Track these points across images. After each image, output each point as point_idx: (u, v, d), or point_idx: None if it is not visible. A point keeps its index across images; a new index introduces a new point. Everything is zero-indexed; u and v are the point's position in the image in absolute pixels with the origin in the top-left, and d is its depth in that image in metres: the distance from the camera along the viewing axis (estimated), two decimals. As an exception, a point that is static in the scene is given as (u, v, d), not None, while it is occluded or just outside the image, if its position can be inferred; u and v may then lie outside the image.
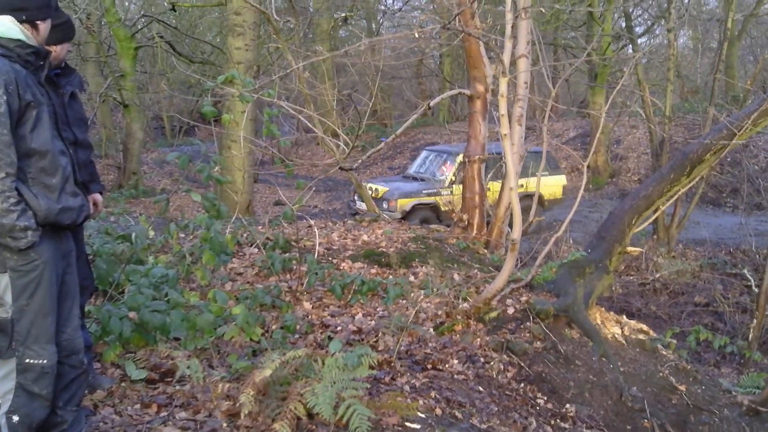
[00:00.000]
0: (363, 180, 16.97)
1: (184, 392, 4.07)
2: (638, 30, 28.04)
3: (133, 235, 6.19)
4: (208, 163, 5.61)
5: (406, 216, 15.11)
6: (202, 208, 5.75)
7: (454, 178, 15.71)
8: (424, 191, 15.81)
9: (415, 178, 16.54)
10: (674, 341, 7.92)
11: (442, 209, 15.12)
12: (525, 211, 17.60)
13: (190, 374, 4.12)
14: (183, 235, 7.66)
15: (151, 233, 7.11)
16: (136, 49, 21.03)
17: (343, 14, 27.80)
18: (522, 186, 17.03)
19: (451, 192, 15.13)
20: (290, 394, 3.74)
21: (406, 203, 15.45)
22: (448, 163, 16.47)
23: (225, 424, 3.70)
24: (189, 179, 17.19)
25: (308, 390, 3.70)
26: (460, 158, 15.03)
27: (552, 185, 17.38)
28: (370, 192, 15.12)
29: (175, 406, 3.91)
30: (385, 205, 15.25)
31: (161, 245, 6.95)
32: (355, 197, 16.09)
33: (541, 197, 17.39)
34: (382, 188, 15.75)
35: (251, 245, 7.76)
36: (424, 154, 17.94)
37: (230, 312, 5.23)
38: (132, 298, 4.69)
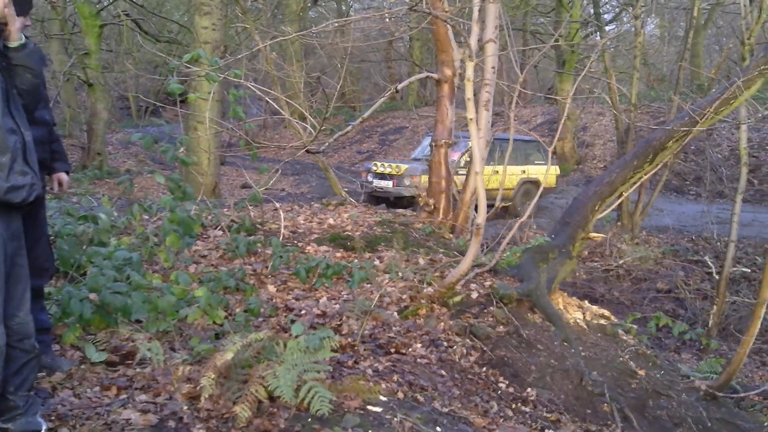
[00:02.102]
0: (375, 161, 17.15)
1: (145, 375, 4.04)
2: (606, 17, 28.18)
3: (102, 215, 6.12)
4: (173, 143, 5.57)
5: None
6: (166, 190, 5.70)
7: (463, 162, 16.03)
8: None
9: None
10: (635, 327, 8.01)
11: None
12: (526, 195, 18.02)
13: (151, 357, 4.09)
14: (147, 217, 7.60)
15: (114, 214, 7.05)
16: (102, 27, 20.78)
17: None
18: (524, 172, 17.86)
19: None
20: (252, 377, 3.74)
21: (427, 179, 15.65)
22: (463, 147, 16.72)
23: (185, 407, 3.68)
24: (155, 160, 17.07)
25: (270, 373, 3.70)
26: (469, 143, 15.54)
27: (544, 173, 17.57)
28: (390, 170, 15.94)
29: (135, 389, 3.88)
30: (407, 182, 15.75)
31: (124, 227, 6.89)
32: (369, 176, 16.48)
33: (538, 183, 17.95)
34: (403, 166, 16.19)
35: (216, 228, 7.72)
36: (429, 139, 18.10)
37: (193, 294, 5.20)
38: (93, 280, 4.65)
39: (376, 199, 15.40)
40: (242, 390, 3.65)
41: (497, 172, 17.18)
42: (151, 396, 3.81)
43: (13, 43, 3.29)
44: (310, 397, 3.61)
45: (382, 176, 16.21)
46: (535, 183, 18.28)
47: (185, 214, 5.35)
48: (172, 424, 3.55)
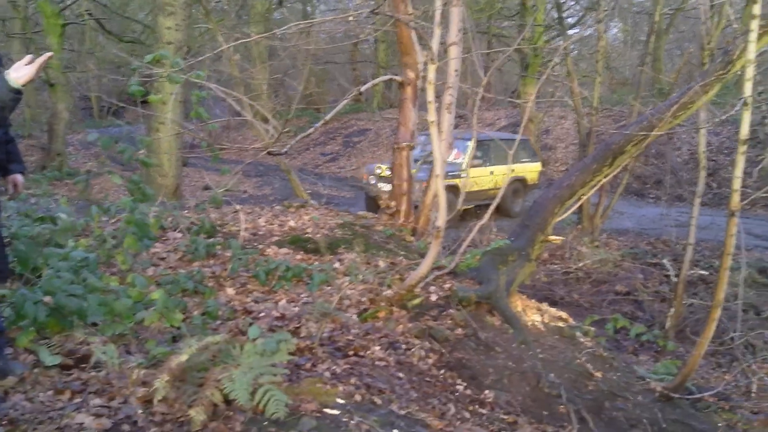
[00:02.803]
0: (379, 164, 17.10)
1: (99, 378, 4.01)
2: (570, 21, 28.40)
3: (61, 215, 6.07)
4: (133, 144, 5.53)
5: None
6: (127, 191, 5.67)
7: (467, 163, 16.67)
8: (449, 173, 16.11)
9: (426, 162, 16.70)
10: (593, 329, 8.08)
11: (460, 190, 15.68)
12: (516, 193, 18.21)
13: (106, 360, 4.06)
14: (105, 219, 7.54)
15: (72, 215, 6.98)
16: (64, 26, 20.57)
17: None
18: (513, 171, 17.91)
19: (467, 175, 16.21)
20: (207, 380, 3.72)
21: None
22: (458, 148, 17.05)
23: (140, 411, 3.65)
24: (117, 162, 16.91)
25: (226, 376, 3.69)
26: (471, 143, 16.15)
27: (532, 171, 18.94)
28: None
29: (90, 393, 3.85)
30: (417, 186, 15.42)
31: (82, 228, 6.83)
32: (371, 179, 16.45)
33: (525, 180, 18.41)
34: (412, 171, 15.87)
35: (175, 230, 7.68)
36: (422, 139, 18.17)
37: (150, 297, 5.17)
38: (48, 282, 4.60)
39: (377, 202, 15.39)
40: (198, 393, 3.64)
41: (492, 173, 17.48)
42: (105, 400, 3.78)
43: None
44: (266, 401, 3.61)
45: (388, 180, 15.92)
46: (522, 181, 18.58)
47: (141, 216, 5.32)
48: (126, 428, 3.53)
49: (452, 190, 16.00)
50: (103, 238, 6.05)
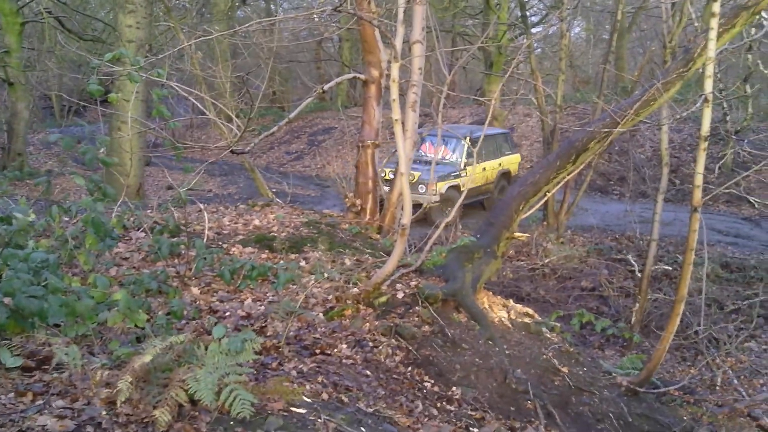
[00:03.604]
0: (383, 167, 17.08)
1: (62, 380, 3.95)
2: (533, 19, 28.56)
3: (17, 215, 5.96)
4: (93, 144, 5.46)
5: (441, 198, 16.02)
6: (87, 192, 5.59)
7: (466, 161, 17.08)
8: (452, 174, 16.72)
9: (426, 162, 16.85)
10: (558, 324, 8.12)
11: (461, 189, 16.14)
12: (502, 187, 18.45)
13: (69, 361, 4.00)
14: (67, 219, 7.43)
15: (32, 216, 6.87)
16: (23, 25, 20.29)
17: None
18: (500, 165, 18.70)
19: (465, 174, 16.70)
20: (172, 380, 3.68)
21: (443, 186, 16.29)
22: (456, 146, 17.52)
23: (104, 412, 3.60)
24: (77, 161, 16.72)
25: (190, 376, 3.65)
26: (466, 141, 16.86)
27: (514, 162, 19.57)
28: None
29: (52, 394, 3.79)
30: (422, 189, 15.72)
31: (43, 229, 6.72)
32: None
33: (509, 173, 18.69)
34: (415, 173, 15.97)
35: (138, 229, 7.59)
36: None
37: (113, 298, 5.10)
38: (8, 283, 4.51)
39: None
40: (162, 394, 3.59)
41: (485, 169, 17.60)
42: (68, 401, 3.72)
43: None
44: (231, 400, 3.57)
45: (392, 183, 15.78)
46: (507, 174, 18.77)
47: (100, 216, 5.24)
48: (90, 429, 3.47)
49: (456, 189, 16.16)
50: (64, 238, 5.96)
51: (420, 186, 15.80)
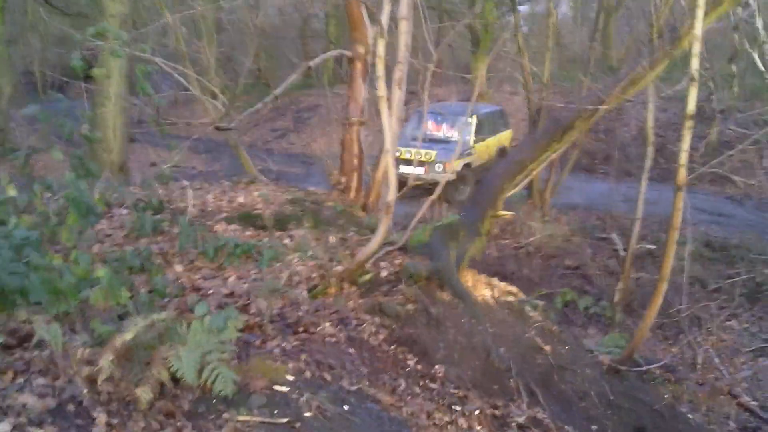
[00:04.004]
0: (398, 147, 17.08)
1: (43, 358, 3.92)
2: (521, -3, 28.43)
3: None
4: (73, 118, 5.40)
5: (457, 175, 16.04)
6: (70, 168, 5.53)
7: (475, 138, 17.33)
8: (465, 152, 16.83)
9: (438, 140, 17.14)
10: (542, 303, 8.15)
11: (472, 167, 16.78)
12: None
13: (50, 339, 3.97)
14: (49, 195, 7.37)
15: (12, 192, 6.80)
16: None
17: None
18: (498, 141, 18.92)
19: (475, 151, 17.03)
20: (154, 358, 3.67)
21: (458, 164, 16.26)
22: (447, 122, 17.74)
23: (85, 391, 3.59)
24: (61, 137, 16.57)
25: (172, 354, 3.64)
26: (474, 119, 17.28)
27: (508, 138, 19.81)
28: (420, 156, 15.94)
29: (33, 373, 3.77)
30: (438, 168, 15.94)
31: (25, 205, 6.66)
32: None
33: (505, 149, 19.13)
34: (432, 152, 16.21)
35: (122, 206, 7.55)
36: (418, 114, 18.20)
37: (96, 275, 5.06)
38: (-12, 261, 4.48)
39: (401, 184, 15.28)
40: (144, 372, 3.59)
41: (488, 145, 18.02)
42: (49, 380, 3.70)
43: None
44: (213, 378, 3.57)
45: (408, 162, 15.86)
46: (504, 150, 18.87)
47: (81, 193, 5.19)
48: (71, 408, 3.46)
49: (468, 166, 16.33)
50: (46, 215, 5.91)
51: (437, 165, 15.99)
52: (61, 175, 6.10)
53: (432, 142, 16.80)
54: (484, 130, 18.00)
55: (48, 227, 5.81)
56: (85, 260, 4.97)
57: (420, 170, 15.83)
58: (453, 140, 17.15)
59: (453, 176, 15.52)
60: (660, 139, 20.23)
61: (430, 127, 17.58)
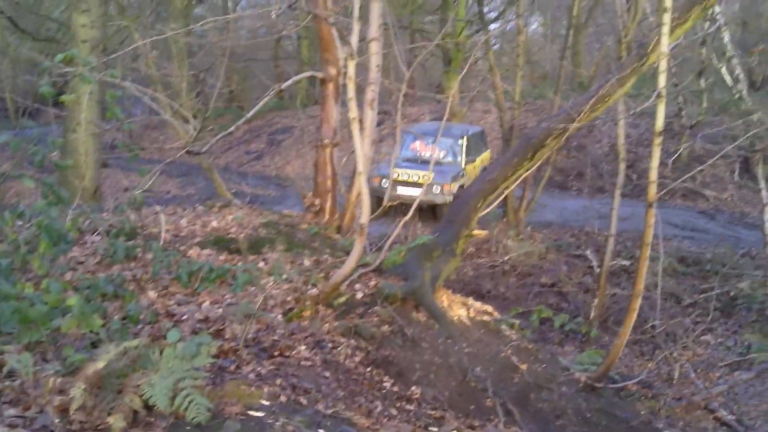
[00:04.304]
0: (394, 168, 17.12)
1: (14, 388, 3.88)
2: (491, 15, 28.65)
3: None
4: (45, 145, 5.37)
5: (453, 197, 15.95)
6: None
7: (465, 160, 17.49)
8: (459, 174, 17.01)
9: (427, 162, 17.01)
10: (517, 321, 8.17)
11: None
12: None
13: (21, 369, 3.93)
14: (20, 223, 7.31)
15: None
16: (-26, 25, 19.97)
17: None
18: (482, 161, 18.88)
19: (465, 173, 17.13)
20: (127, 386, 3.64)
21: (455, 186, 16.41)
22: (453, 146, 17.84)
23: (57, 420, 3.55)
24: (34, 164, 16.46)
25: (145, 381, 3.61)
26: (463, 140, 17.55)
27: (487, 158, 19.70)
28: (416, 178, 16.11)
29: (4, 403, 3.72)
30: (437, 190, 16.11)
31: (-6, 234, 6.60)
32: (383, 182, 16.31)
33: (486, 169, 18.82)
34: (430, 174, 16.12)
35: (94, 233, 7.49)
36: (409, 138, 18.44)
37: (67, 303, 5.02)
38: (-42, 291, 4.43)
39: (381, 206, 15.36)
40: (117, 400, 3.55)
41: (475, 166, 17.95)
42: (20, 410, 3.66)
43: None
44: (186, 405, 3.54)
45: (408, 184, 16.15)
46: (486, 170, 19.03)
47: (52, 220, 5.16)
48: (43, 438, 3.43)
49: (462, 188, 16.48)
50: (17, 243, 5.86)
51: (435, 187, 16.13)
52: (32, 203, 6.07)
53: (424, 163, 16.94)
54: (471, 151, 18.19)
55: (19, 255, 5.75)
56: (57, 288, 4.93)
57: (417, 192, 15.84)
58: (445, 162, 17.38)
59: (450, 198, 15.63)
60: (632, 155, 20.44)
61: (419, 148, 17.68)
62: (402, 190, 15.63)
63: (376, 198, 15.96)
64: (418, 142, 17.76)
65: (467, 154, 17.78)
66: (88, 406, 3.55)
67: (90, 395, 3.54)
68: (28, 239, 5.73)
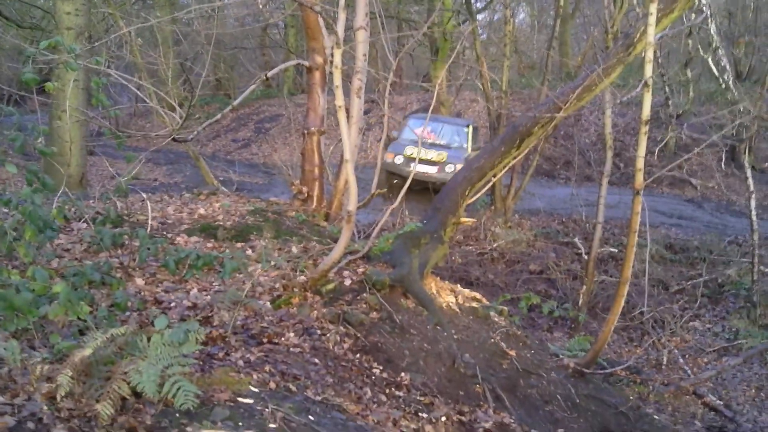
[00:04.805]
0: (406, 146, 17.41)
1: (1, 375, 3.85)
2: (478, 5, 28.65)
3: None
4: (27, 132, 5.33)
5: None
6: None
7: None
8: (468, 158, 16.93)
9: (440, 146, 17.73)
10: (506, 308, 8.18)
11: None
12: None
13: (8, 357, 3.91)
14: (6, 210, 7.27)
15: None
16: (-42, 13, 19.80)
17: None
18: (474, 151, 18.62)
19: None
20: (114, 373, 3.61)
21: None
22: (458, 133, 18.38)
23: (45, 407, 3.52)
24: (14, 150, 16.34)
25: (133, 368, 3.58)
26: (468, 129, 18.17)
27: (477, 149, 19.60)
28: (431, 156, 16.64)
29: (-9, 391, 3.70)
30: (450, 168, 16.43)
31: (-20, 222, 6.56)
32: (397, 158, 16.85)
33: None
34: (443, 153, 17.04)
35: (80, 220, 7.45)
36: (412, 121, 18.90)
37: (54, 290, 4.99)
38: (-57, 278, 4.40)
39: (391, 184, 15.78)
40: (105, 387, 3.53)
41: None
42: (8, 397, 3.63)
43: None
44: (174, 392, 3.52)
45: (420, 161, 16.26)
46: None
47: (37, 207, 5.12)
48: (31, 425, 3.40)
49: None
50: (3, 230, 5.82)
51: (448, 165, 16.53)
52: (18, 190, 6.02)
53: (439, 147, 17.44)
54: (475, 139, 18.68)
55: (5, 242, 5.71)
56: (43, 276, 4.90)
57: (430, 169, 16.46)
58: (453, 146, 17.78)
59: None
60: (619, 144, 20.53)
61: (426, 134, 17.86)
62: (418, 168, 15.83)
63: (387, 173, 16.37)
64: (427, 129, 17.95)
65: (473, 142, 18.27)
66: (75, 393, 3.53)
67: (78, 382, 3.52)
68: (14, 226, 5.69)
